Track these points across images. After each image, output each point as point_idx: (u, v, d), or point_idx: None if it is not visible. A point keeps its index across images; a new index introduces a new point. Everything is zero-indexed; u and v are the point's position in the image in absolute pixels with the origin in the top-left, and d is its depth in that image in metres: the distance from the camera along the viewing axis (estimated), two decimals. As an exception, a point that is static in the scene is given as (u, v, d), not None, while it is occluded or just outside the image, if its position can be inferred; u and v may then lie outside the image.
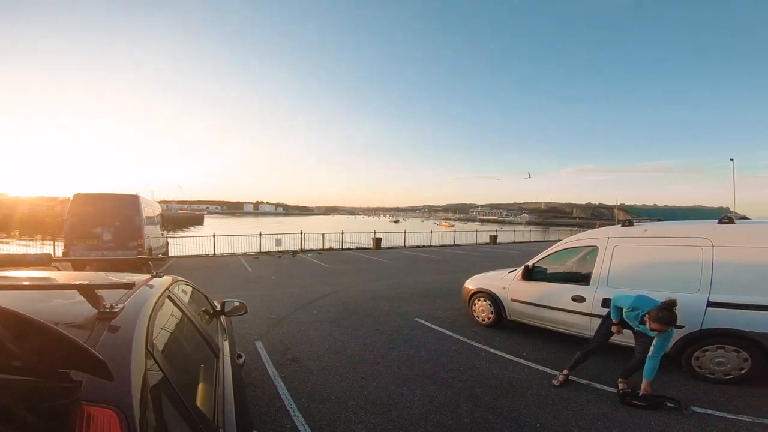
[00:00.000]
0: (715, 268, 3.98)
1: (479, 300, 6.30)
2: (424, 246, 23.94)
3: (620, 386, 3.69)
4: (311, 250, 19.21)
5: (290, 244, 19.61)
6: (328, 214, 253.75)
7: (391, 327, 6.19)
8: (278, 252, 18.10)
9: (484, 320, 6.19)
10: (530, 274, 5.55)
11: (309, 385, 4.07)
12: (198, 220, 72.18)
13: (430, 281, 10.92)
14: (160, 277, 1.99)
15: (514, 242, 29.10)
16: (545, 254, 5.65)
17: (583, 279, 4.90)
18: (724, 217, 4.22)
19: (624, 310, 3.68)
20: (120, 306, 1.28)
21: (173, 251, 16.72)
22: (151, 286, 1.71)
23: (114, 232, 11.00)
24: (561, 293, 5.06)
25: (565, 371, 4.06)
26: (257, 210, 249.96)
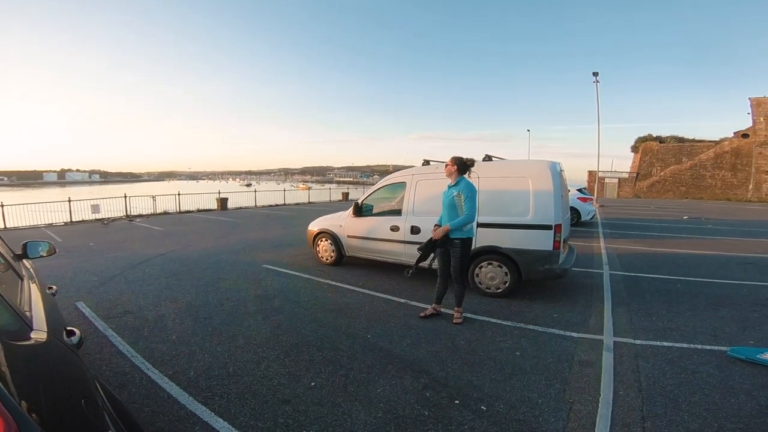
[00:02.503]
0: (481, 194, 4.64)
1: (322, 240, 6.82)
2: (277, 205, 23.56)
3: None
4: (140, 216, 16.82)
5: (112, 210, 16.71)
6: (162, 180, 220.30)
7: (236, 274, 6.20)
8: (104, 220, 15.28)
9: (327, 259, 6.76)
10: (360, 211, 6.25)
11: (145, 330, 3.93)
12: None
13: (280, 234, 11.05)
14: None
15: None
16: (371, 191, 6.40)
17: (398, 212, 5.77)
18: (486, 156, 5.39)
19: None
20: None
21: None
22: None
23: None
24: (383, 225, 5.89)
25: (433, 306, 4.35)
26: (63, 179, 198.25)
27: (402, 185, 5.86)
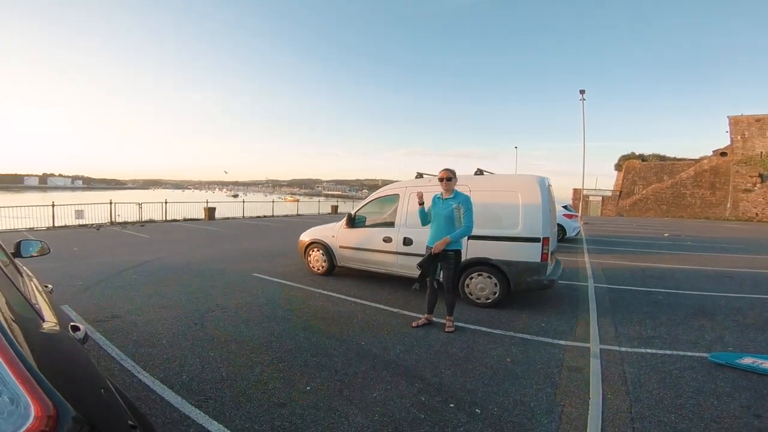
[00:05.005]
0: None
1: (313, 251, 6.84)
2: (266, 216, 23.41)
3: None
4: (125, 223, 16.52)
5: (97, 216, 16.37)
6: (148, 188, 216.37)
7: (226, 282, 6.16)
8: (95, 225, 14.97)
9: (318, 269, 6.77)
10: (353, 222, 6.32)
11: (135, 334, 3.89)
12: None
13: (270, 244, 10.99)
14: None
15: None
16: (364, 203, 6.49)
17: (391, 223, 5.86)
18: (477, 170, 5.57)
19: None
20: None
21: None
22: None
23: None
24: (376, 236, 5.96)
25: (425, 316, 4.38)
26: (45, 184, 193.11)
27: (395, 197, 5.96)
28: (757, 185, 33.60)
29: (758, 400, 2.78)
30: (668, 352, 3.68)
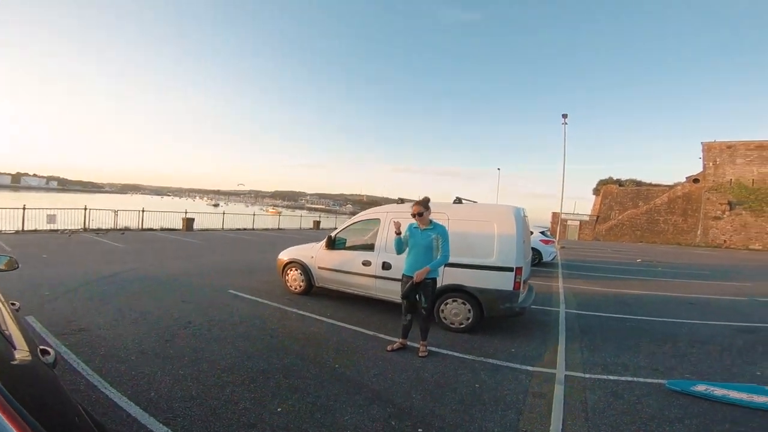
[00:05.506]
0: (449, 235, 5.06)
1: (291, 270, 6.83)
2: (246, 229, 23.14)
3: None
4: (100, 230, 16.08)
5: (70, 222, 15.90)
6: (125, 193, 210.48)
7: (201, 298, 6.08)
8: (67, 231, 14.53)
9: (296, 288, 6.75)
10: (333, 244, 6.36)
11: (102, 349, 3.81)
12: None
13: (249, 259, 10.89)
14: None
15: (336, 227, 31.13)
16: (344, 226, 6.56)
17: (371, 247, 5.93)
18: (456, 198, 5.74)
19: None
20: None
21: None
22: None
23: None
24: (355, 259, 6.01)
25: (400, 340, 4.41)
26: (18, 183, 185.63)
27: (376, 221, 6.05)
28: (726, 213, 35.17)
29: (706, 425, 2.95)
30: (629, 378, 3.84)
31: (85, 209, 16.34)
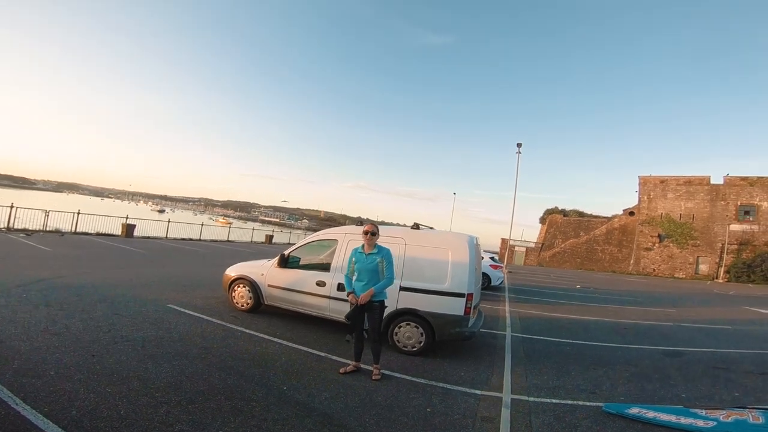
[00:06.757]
0: (406, 260, 5.23)
1: (239, 286, 6.51)
2: (192, 239, 21.89)
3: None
4: (25, 230, 14.51)
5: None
6: (61, 191, 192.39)
7: (135, 312, 5.61)
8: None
9: (243, 306, 6.43)
10: (285, 262, 6.15)
11: (16, 362, 3.40)
12: None
13: (192, 272, 10.27)
14: None
15: (289, 243, 30.24)
16: (299, 245, 6.39)
17: (326, 267, 5.82)
18: (414, 224, 5.80)
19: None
20: None
21: None
22: None
23: None
24: (309, 279, 5.85)
25: (353, 363, 4.33)
26: None
27: (333, 242, 5.96)
28: (656, 244, 38.72)
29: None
30: (570, 402, 4.00)
31: (12, 207, 14.67)
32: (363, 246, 4.30)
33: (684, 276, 36.47)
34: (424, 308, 5.10)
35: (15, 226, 14.65)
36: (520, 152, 25.66)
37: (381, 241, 4.50)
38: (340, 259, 5.64)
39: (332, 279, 5.61)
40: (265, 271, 6.33)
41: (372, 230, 4.26)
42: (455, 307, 5.04)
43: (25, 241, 12.21)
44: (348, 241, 5.70)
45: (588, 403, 3.98)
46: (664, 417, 3.67)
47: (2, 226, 14.25)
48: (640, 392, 4.49)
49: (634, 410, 3.80)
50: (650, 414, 3.72)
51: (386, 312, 4.67)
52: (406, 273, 5.24)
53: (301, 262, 6.18)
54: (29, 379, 3.11)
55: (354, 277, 4.28)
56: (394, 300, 5.10)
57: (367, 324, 4.24)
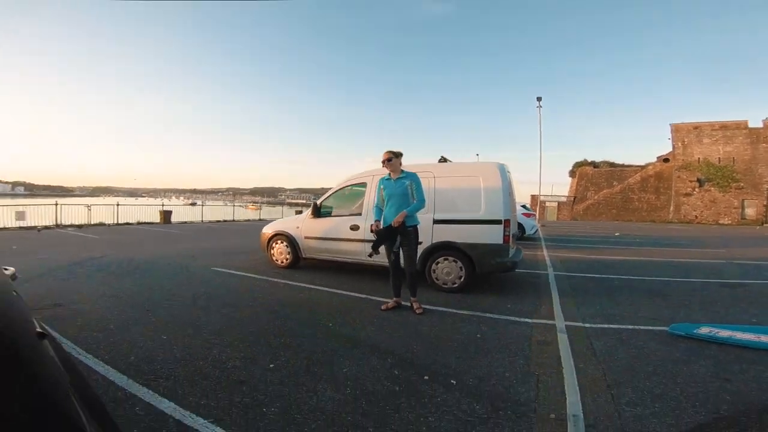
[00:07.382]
0: (437, 192, 5.13)
1: (277, 243, 6.58)
2: (226, 221, 22.52)
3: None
4: (72, 225, 15.30)
5: (40, 219, 15.03)
6: (97, 195, 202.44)
7: (182, 275, 5.81)
8: (37, 227, 13.67)
9: (282, 262, 6.51)
10: (319, 212, 6.12)
11: (79, 320, 3.55)
12: None
13: (230, 244, 10.53)
14: None
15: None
16: (330, 193, 6.31)
17: (358, 211, 5.76)
18: (441, 157, 5.64)
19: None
20: None
21: None
22: None
23: None
24: (343, 225, 5.81)
25: (394, 299, 4.30)
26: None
27: (363, 185, 5.86)
28: (696, 189, 36.41)
29: (723, 365, 2.85)
30: (630, 326, 3.78)
31: (57, 205, 15.46)
32: (389, 174, 4.17)
33: (730, 222, 34.19)
34: (461, 240, 4.97)
35: (62, 222, 15.44)
36: (540, 106, 24.49)
37: None
38: (371, 201, 5.55)
39: (365, 222, 5.53)
40: (300, 223, 6.35)
41: (388, 157, 4.14)
42: (493, 235, 4.87)
43: (74, 233, 12.88)
44: (376, 182, 5.61)
45: (650, 327, 3.74)
46: (741, 336, 3.36)
47: (52, 224, 15.04)
48: (705, 318, 4.15)
49: (704, 330, 3.50)
50: (724, 333, 3.41)
51: (422, 248, 4.57)
52: (438, 205, 5.10)
53: (333, 210, 6.14)
54: (91, 333, 3.23)
55: (384, 207, 4.17)
56: (428, 234, 4.99)
57: (402, 253, 4.11)
